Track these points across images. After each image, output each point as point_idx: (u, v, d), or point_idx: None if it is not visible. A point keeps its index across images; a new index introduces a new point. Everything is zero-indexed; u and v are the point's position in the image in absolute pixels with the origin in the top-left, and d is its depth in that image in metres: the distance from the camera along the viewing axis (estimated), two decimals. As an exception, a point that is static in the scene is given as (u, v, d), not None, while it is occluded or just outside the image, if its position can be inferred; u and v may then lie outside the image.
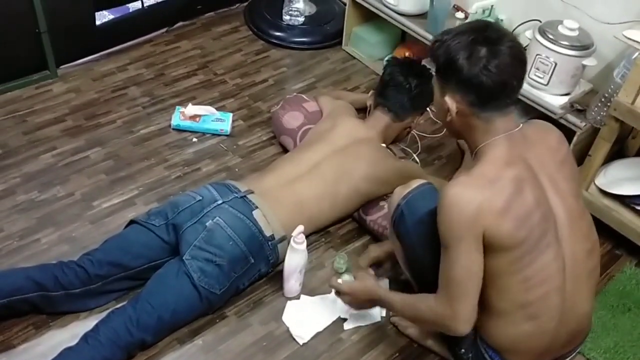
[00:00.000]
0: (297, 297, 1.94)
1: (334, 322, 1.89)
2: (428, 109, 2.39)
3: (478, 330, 1.57)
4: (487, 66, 1.36)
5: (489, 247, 1.42)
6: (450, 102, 1.44)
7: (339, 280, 1.81)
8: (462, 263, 1.43)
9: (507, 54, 1.38)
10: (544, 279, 1.46)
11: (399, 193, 1.70)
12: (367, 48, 2.96)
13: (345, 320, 1.90)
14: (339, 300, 1.83)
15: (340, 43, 3.05)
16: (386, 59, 2.78)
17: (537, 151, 1.48)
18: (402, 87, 2.17)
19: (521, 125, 1.49)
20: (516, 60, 1.40)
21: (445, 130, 2.57)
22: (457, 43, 1.40)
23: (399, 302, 1.66)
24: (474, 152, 1.49)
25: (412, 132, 2.34)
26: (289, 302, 1.92)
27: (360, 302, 1.77)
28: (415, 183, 1.69)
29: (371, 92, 2.31)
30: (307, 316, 1.89)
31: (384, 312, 1.91)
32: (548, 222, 1.45)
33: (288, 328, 1.85)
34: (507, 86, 1.40)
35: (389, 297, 1.69)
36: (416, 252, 1.65)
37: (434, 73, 1.50)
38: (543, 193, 1.45)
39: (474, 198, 1.38)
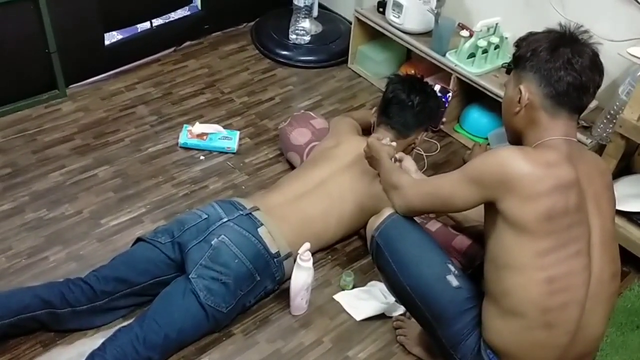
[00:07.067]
0: (305, 314, 1.94)
1: (337, 339, 1.89)
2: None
3: (484, 329, 1.55)
4: (570, 60, 1.42)
5: (510, 225, 1.42)
6: (524, 91, 1.47)
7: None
8: (454, 193, 1.52)
9: (589, 57, 1.44)
10: (568, 286, 1.44)
11: (372, 225, 1.73)
12: (372, 66, 2.98)
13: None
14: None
15: (346, 61, 3.07)
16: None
17: (588, 168, 1.49)
18: (405, 105, 2.14)
19: (577, 140, 1.51)
20: (595, 66, 1.46)
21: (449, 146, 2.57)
22: (544, 38, 1.47)
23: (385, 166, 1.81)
24: (533, 146, 1.49)
25: (416, 148, 2.34)
26: (340, 294, 2.00)
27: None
28: (387, 212, 1.70)
29: (374, 109, 2.31)
30: (361, 299, 1.97)
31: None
32: (584, 231, 1.45)
33: (342, 306, 1.97)
34: (582, 87, 1.44)
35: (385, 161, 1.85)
36: (398, 279, 1.65)
37: (511, 66, 1.55)
38: (585, 205, 1.45)
39: (522, 169, 1.40)
